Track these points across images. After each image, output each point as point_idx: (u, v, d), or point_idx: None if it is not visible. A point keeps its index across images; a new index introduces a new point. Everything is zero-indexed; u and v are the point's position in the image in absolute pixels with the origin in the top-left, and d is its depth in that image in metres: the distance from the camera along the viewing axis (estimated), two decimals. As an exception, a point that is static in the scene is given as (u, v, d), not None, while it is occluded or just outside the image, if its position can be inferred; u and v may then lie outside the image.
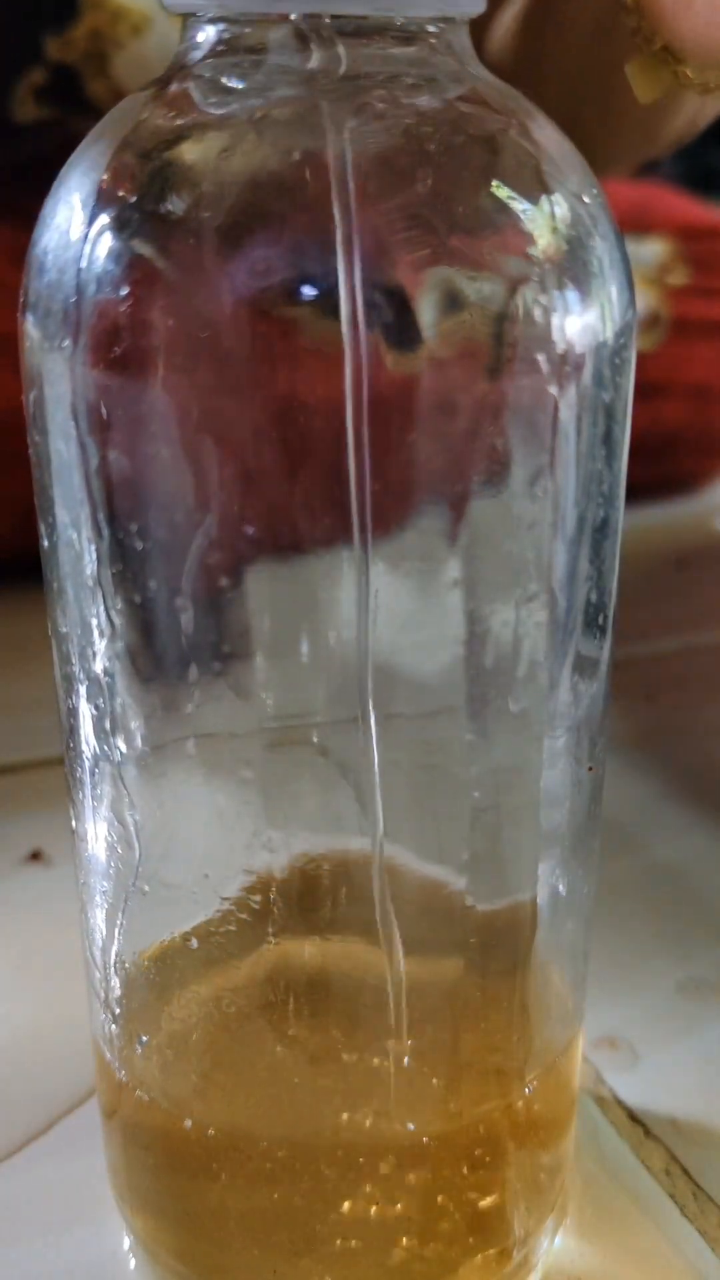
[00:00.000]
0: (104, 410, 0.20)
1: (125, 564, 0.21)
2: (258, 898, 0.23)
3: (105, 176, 0.20)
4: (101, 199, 0.20)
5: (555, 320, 0.19)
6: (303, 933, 0.24)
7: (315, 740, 0.22)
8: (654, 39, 0.30)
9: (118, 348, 0.19)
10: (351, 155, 0.19)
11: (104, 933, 0.24)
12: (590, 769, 0.23)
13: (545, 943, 0.24)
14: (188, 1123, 0.23)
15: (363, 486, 0.19)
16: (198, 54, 0.20)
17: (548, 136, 0.21)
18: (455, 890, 0.23)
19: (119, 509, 0.20)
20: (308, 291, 0.19)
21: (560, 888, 0.24)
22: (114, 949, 0.24)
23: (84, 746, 0.23)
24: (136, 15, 0.55)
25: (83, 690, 0.22)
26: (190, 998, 0.24)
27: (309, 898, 0.23)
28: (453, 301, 0.19)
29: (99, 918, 0.24)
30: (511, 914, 0.23)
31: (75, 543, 0.21)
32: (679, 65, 0.30)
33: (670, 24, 0.28)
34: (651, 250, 0.70)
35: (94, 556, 0.21)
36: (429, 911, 0.23)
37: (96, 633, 0.21)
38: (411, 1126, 0.23)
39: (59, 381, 0.20)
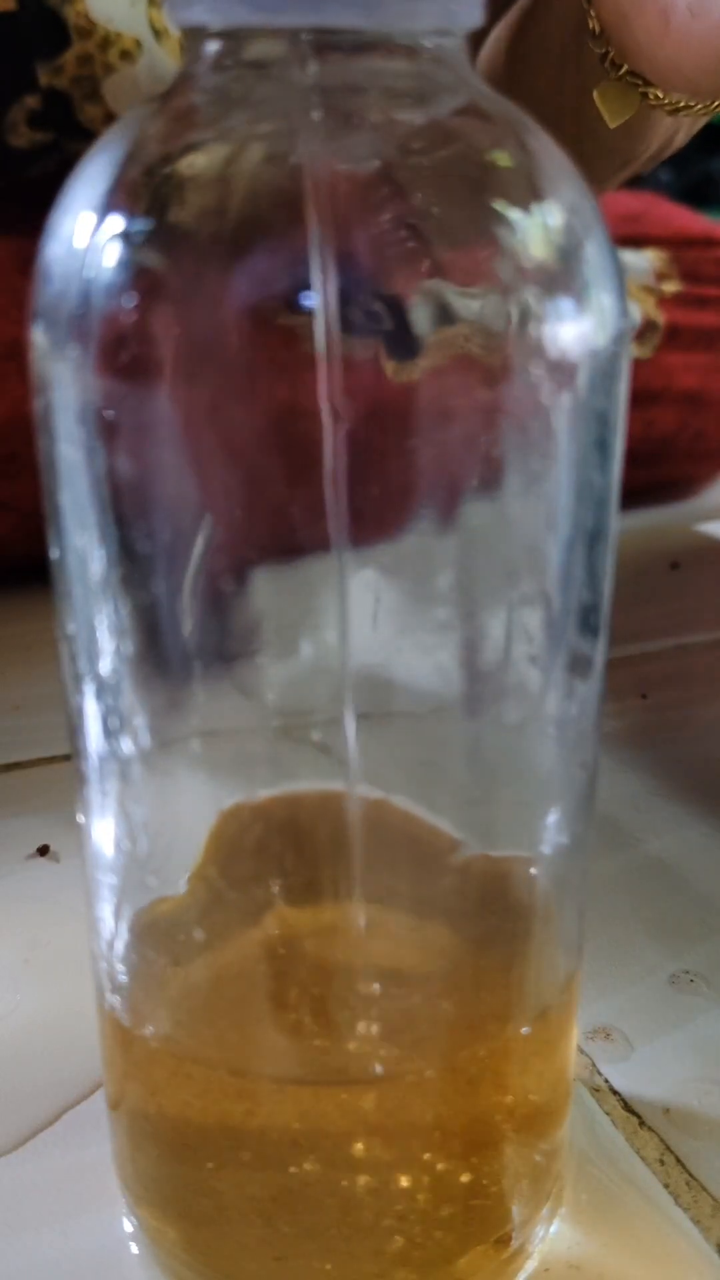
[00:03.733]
0: (110, 416, 0.20)
1: (131, 566, 0.21)
2: (259, 881, 0.23)
3: (110, 188, 0.20)
4: (106, 210, 0.20)
5: (549, 329, 0.20)
6: (299, 903, 0.24)
7: (317, 737, 0.22)
8: (621, 64, 0.30)
9: (123, 355, 0.20)
10: (342, 168, 0.19)
11: (110, 926, 0.24)
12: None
13: (545, 905, 0.24)
14: (192, 1099, 0.23)
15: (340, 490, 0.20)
16: (200, 68, 0.21)
17: (542, 147, 0.21)
18: (457, 862, 0.23)
19: (125, 512, 0.21)
20: (308, 300, 0.19)
21: (557, 868, 0.24)
22: (120, 941, 0.24)
23: (91, 745, 0.23)
24: (127, 41, 0.55)
25: (90, 690, 0.22)
26: (194, 984, 0.25)
27: (304, 868, 0.24)
28: (448, 311, 0.19)
29: (105, 911, 0.24)
30: (512, 889, 0.24)
31: (82, 546, 0.21)
32: (648, 88, 0.30)
33: (645, 49, 0.28)
34: (645, 259, 0.71)
35: (101, 559, 0.21)
36: (430, 877, 0.24)
37: (103, 634, 0.22)
38: (423, 1067, 0.23)
39: (66, 388, 0.20)
